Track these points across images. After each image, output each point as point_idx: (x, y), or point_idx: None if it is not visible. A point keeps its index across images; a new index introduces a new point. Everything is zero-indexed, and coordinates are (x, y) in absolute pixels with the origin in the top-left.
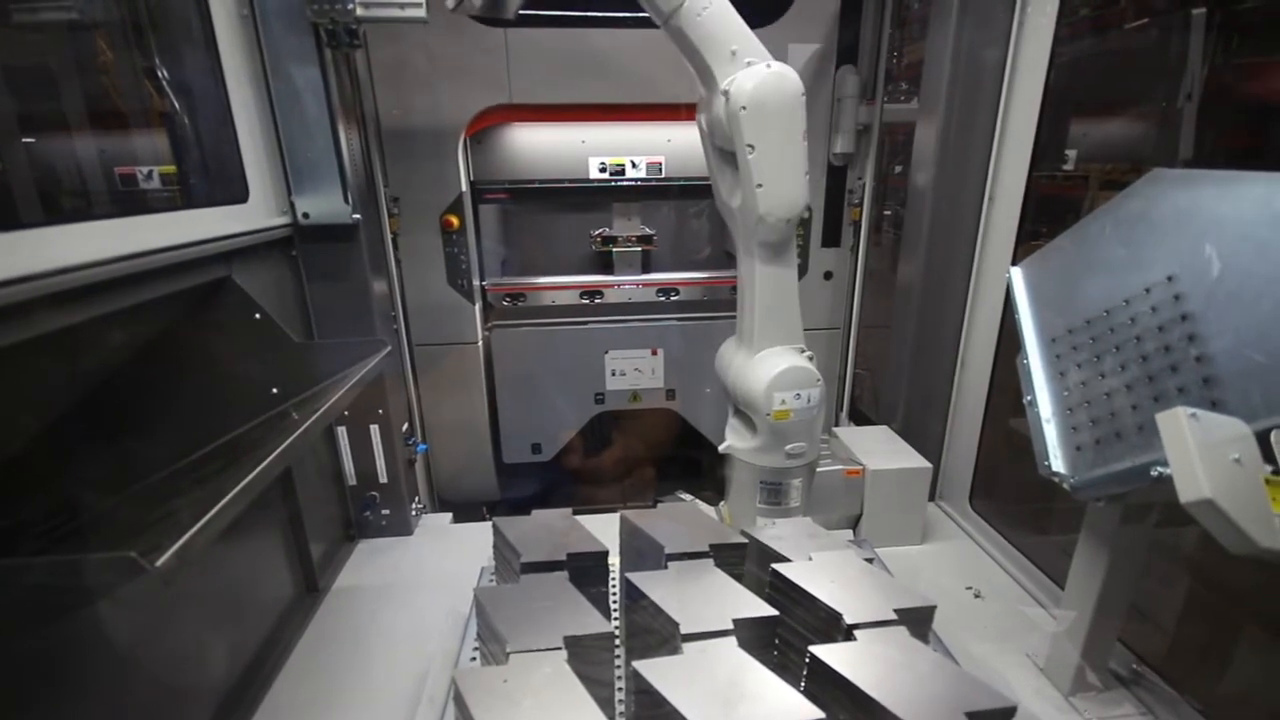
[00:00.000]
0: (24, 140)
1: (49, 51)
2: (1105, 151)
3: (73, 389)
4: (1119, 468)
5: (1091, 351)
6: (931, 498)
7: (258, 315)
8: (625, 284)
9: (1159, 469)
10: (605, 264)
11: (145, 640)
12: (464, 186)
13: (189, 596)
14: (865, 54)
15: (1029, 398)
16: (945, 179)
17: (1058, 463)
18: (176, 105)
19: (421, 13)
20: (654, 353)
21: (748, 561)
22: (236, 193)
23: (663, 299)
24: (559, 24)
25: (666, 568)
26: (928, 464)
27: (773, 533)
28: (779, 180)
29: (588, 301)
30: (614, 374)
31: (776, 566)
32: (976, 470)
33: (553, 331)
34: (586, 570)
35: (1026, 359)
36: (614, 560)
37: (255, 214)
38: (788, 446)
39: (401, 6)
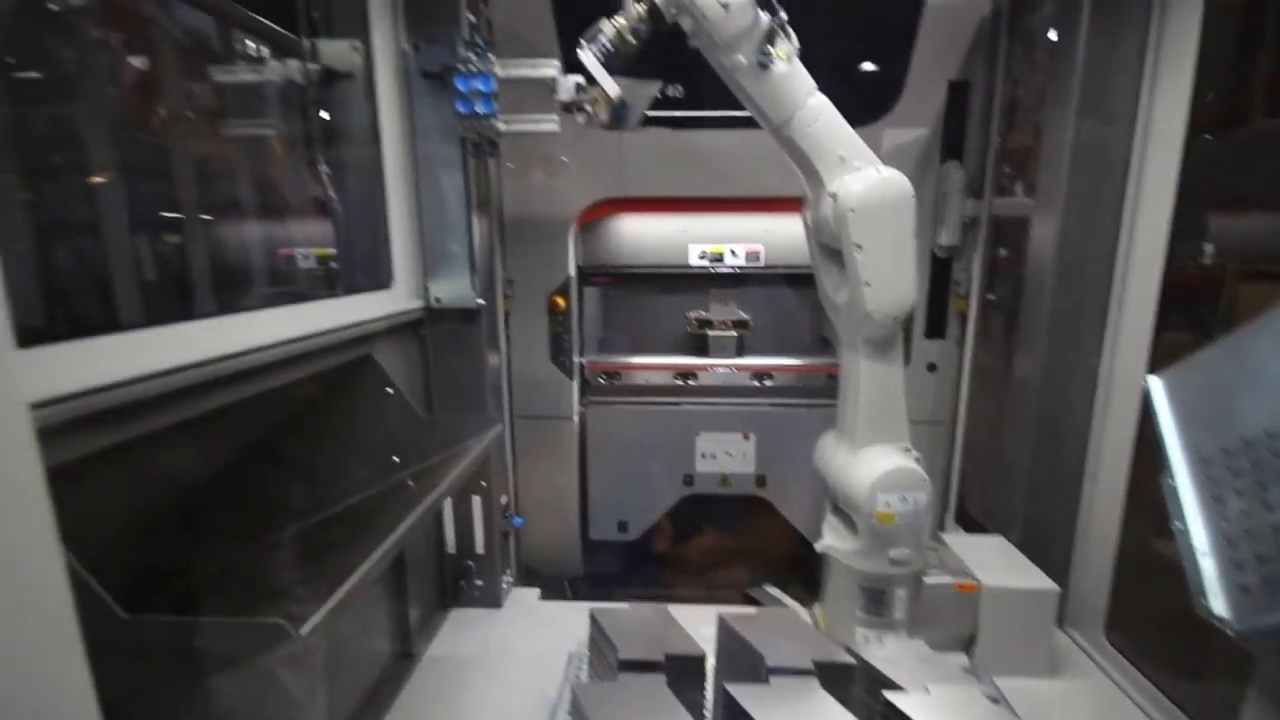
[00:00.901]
0: (220, 231)
1: (264, 159)
2: (1247, 248)
3: (220, 457)
4: None
5: (1253, 478)
6: (1058, 624)
7: (389, 390)
8: (719, 367)
9: None
10: (700, 346)
11: (250, 699)
12: (571, 270)
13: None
14: (972, 149)
15: (1179, 525)
16: (1066, 274)
17: (1219, 604)
18: (344, 208)
19: (555, 127)
20: (746, 437)
21: (854, 684)
22: (383, 280)
23: (756, 383)
24: (670, 125)
25: (768, 681)
26: (1055, 586)
27: (882, 654)
28: (887, 279)
29: (681, 383)
30: (704, 456)
31: (890, 697)
32: (1113, 597)
33: (646, 410)
34: (683, 673)
35: (1174, 480)
36: (710, 662)
37: (397, 298)
38: (891, 552)
39: (538, 122)
